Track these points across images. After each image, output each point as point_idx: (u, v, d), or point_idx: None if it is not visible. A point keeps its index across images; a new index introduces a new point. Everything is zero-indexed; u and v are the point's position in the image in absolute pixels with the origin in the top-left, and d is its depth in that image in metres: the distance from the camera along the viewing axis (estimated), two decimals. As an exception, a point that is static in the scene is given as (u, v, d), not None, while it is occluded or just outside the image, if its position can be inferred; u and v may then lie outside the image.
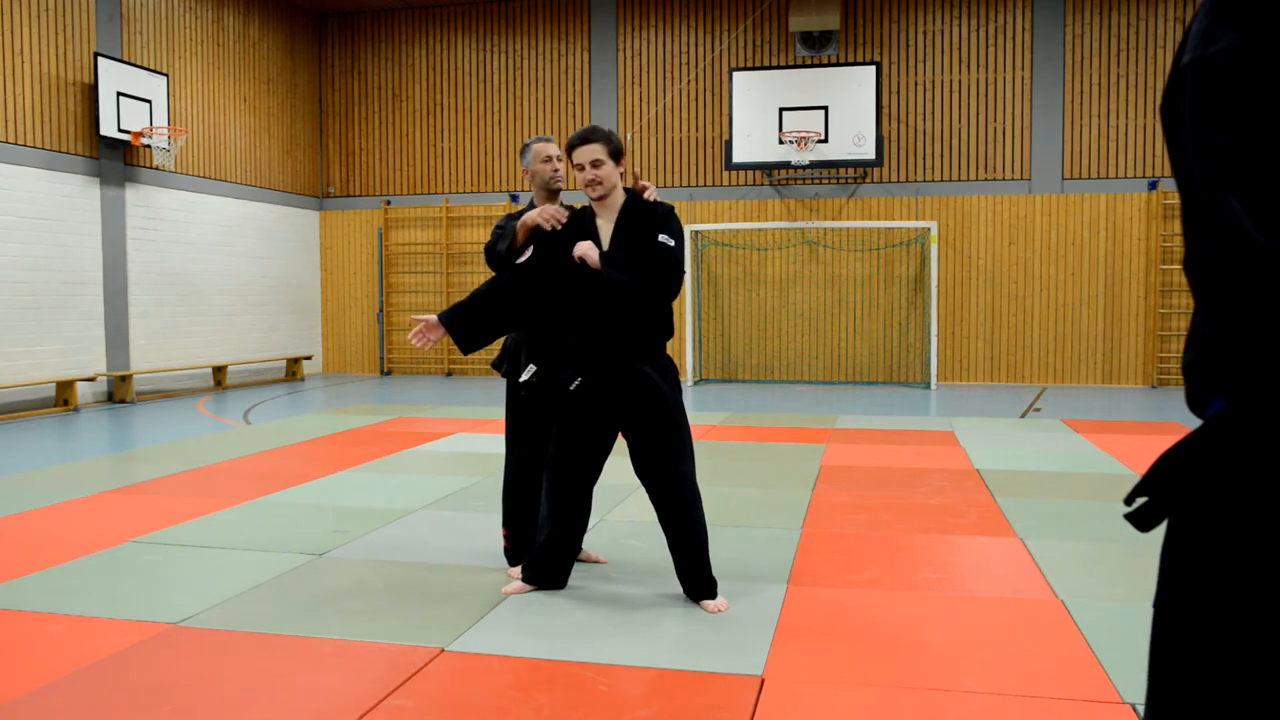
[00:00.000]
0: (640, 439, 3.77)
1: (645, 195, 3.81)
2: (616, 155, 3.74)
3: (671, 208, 3.81)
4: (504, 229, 4.17)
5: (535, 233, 3.85)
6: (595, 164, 3.69)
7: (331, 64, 15.78)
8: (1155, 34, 13.24)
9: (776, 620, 3.62)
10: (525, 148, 4.28)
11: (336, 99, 15.78)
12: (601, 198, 3.75)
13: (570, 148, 3.74)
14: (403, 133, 15.51)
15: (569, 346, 3.88)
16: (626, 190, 3.85)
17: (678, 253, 3.69)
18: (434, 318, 3.74)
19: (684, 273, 3.74)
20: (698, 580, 3.79)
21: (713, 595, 3.79)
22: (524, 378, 4.10)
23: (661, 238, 3.68)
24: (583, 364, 3.78)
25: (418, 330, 3.74)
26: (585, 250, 3.67)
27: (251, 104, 14.26)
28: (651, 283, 3.64)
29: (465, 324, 3.75)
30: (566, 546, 3.93)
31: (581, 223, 3.81)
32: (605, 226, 3.79)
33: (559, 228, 3.78)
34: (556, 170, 4.20)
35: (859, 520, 5.27)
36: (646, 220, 3.74)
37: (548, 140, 4.25)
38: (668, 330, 3.84)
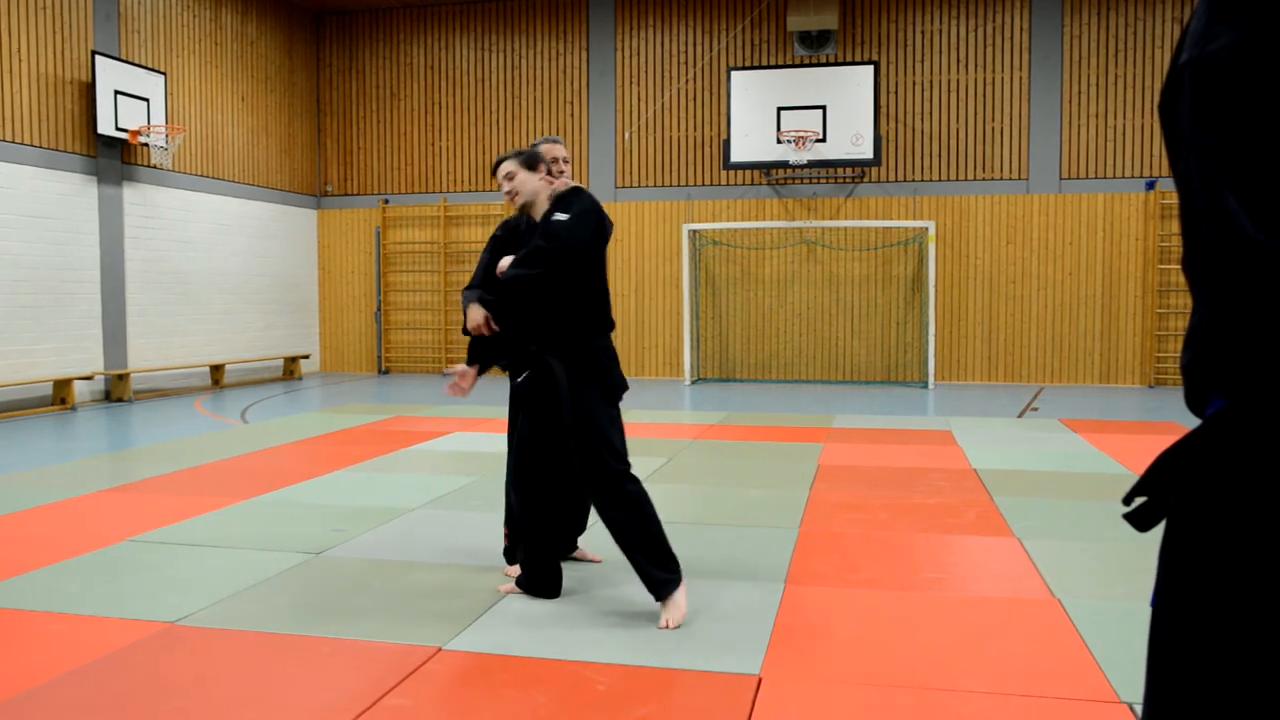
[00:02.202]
0: (565, 437, 3.77)
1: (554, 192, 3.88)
2: (529, 164, 3.88)
3: (577, 187, 3.84)
4: (499, 239, 4.23)
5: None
6: (508, 177, 3.87)
7: (329, 63, 15.77)
8: (1153, 34, 13.25)
9: (774, 620, 3.62)
10: (533, 149, 4.28)
11: (334, 98, 15.77)
12: (525, 206, 3.91)
13: (492, 173, 3.99)
14: (401, 132, 15.51)
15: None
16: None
17: (563, 227, 3.63)
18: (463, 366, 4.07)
19: (572, 240, 3.62)
20: (644, 581, 3.62)
21: (659, 596, 3.59)
22: (521, 378, 4.11)
23: (555, 216, 3.68)
24: (527, 360, 3.87)
25: (454, 384, 4.01)
26: (500, 268, 3.80)
27: (249, 103, 14.25)
28: (534, 265, 3.63)
29: (480, 358, 4.11)
30: (549, 553, 3.88)
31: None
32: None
33: (486, 334, 3.96)
34: (562, 173, 4.18)
35: (856, 520, 5.27)
36: (554, 209, 3.79)
37: (555, 141, 4.24)
38: (591, 320, 3.77)
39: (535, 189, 3.86)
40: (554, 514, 3.88)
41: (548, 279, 3.66)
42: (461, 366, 4.03)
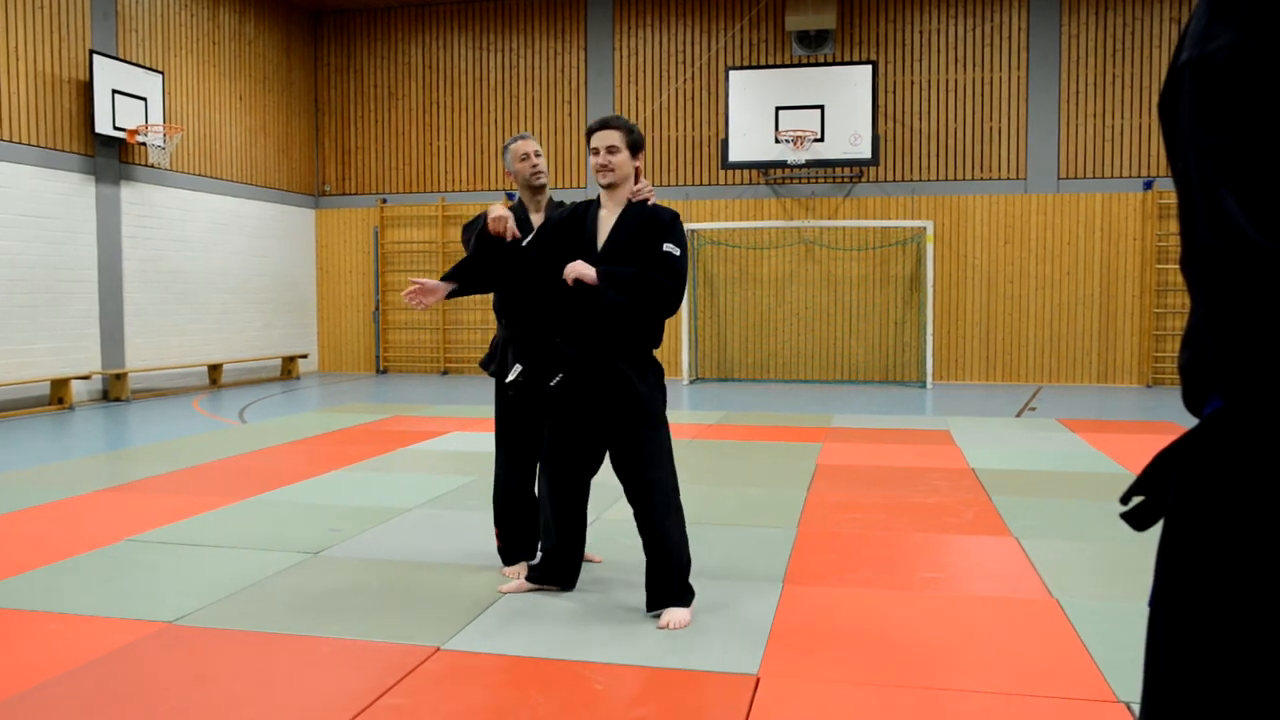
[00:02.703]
0: (615, 441, 3.68)
1: (637, 197, 3.71)
2: (634, 147, 3.67)
3: (677, 214, 3.70)
4: (472, 226, 4.17)
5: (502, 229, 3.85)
6: (611, 150, 3.63)
7: (327, 62, 15.76)
8: (1151, 33, 13.26)
9: (772, 619, 3.62)
10: (505, 149, 4.28)
11: (332, 97, 15.76)
12: (610, 186, 3.68)
13: (590, 132, 3.69)
14: (399, 131, 15.50)
15: (553, 344, 3.83)
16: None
17: (683, 264, 3.58)
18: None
19: (684, 281, 3.62)
20: (658, 589, 3.62)
21: (676, 604, 3.60)
22: (510, 377, 4.08)
23: (667, 246, 3.56)
24: (564, 361, 3.73)
25: (413, 290, 3.77)
26: (580, 271, 3.55)
27: (247, 102, 14.24)
28: (654, 302, 3.54)
29: (458, 276, 3.87)
30: (574, 548, 3.89)
31: (583, 217, 3.75)
32: (607, 219, 3.70)
33: (504, 237, 3.75)
34: (535, 167, 4.17)
35: (855, 519, 5.27)
36: (650, 224, 3.63)
37: (525, 138, 4.22)
38: (656, 338, 3.72)
39: (628, 175, 3.69)
40: (582, 510, 3.87)
41: (652, 316, 3.59)
42: (433, 281, 3.81)
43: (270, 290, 14.74)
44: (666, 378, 3.87)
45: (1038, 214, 13.54)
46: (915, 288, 13.80)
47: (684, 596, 3.63)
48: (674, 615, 3.56)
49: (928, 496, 5.85)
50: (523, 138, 4.23)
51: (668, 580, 3.62)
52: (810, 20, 13.53)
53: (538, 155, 4.19)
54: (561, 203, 4.22)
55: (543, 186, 4.23)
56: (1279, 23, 0.94)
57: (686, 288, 14.35)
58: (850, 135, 13.17)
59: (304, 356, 15.32)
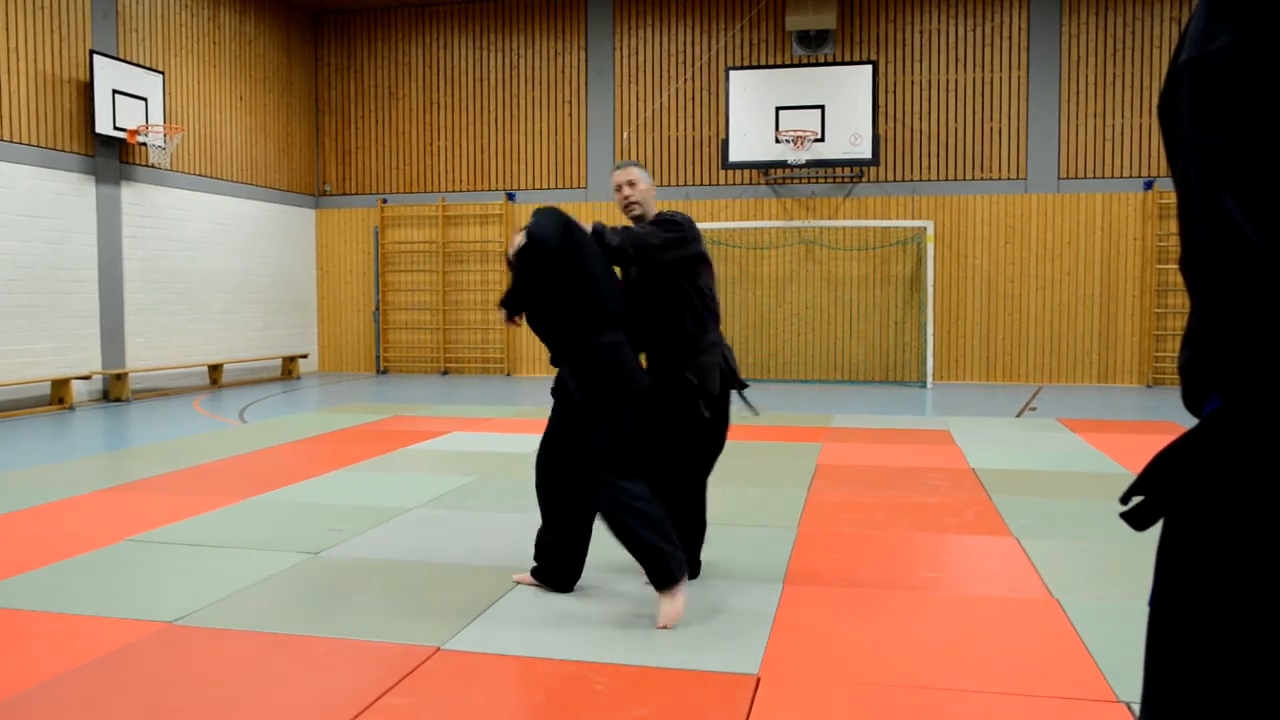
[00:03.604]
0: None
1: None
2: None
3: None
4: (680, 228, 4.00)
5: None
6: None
7: (328, 62, 15.76)
8: (1151, 34, 13.26)
9: (772, 619, 3.62)
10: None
11: (333, 97, 15.76)
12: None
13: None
14: (399, 131, 15.50)
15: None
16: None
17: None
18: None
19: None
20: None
21: (661, 587, 3.54)
22: None
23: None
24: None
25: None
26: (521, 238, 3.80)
27: (247, 102, 14.24)
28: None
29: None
30: (574, 551, 3.92)
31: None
32: None
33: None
34: (627, 198, 4.05)
35: (855, 519, 5.28)
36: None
37: (621, 167, 4.09)
38: (587, 316, 3.75)
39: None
40: (583, 516, 3.88)
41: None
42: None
43: (270, 290, 14.74)
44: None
45: (1038, 214, 13.54)
46: (915, 288, 13.79)
47: (658, 585, 3.58)
48: (662, 611, 3.53)
49: (928, 496, 5.86)
50: (619, 167, 4.09)
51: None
52: (810, 20, 13.53)
53: (630, 185, 4.01)
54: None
55: (640, 217, 4.06)
56: (1279, 23, 0.94)
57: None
58: (850, 135, 13.16)
59: (304, 356, 15.32)
